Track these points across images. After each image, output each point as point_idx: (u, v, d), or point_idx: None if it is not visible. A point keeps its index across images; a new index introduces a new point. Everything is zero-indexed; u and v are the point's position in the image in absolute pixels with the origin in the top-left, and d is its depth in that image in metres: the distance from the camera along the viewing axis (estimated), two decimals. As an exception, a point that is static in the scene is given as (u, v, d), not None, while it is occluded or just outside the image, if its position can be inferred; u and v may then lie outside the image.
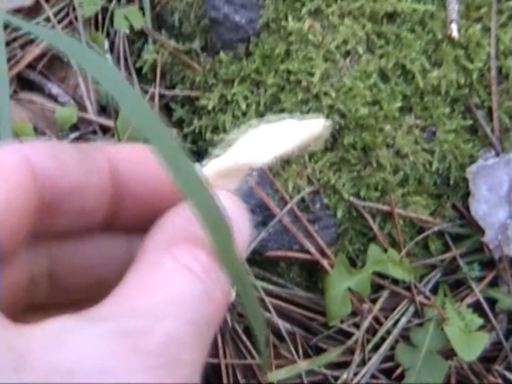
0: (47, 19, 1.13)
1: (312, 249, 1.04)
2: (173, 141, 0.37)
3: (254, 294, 0.43)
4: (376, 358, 1.03)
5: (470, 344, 0.99)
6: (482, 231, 1.06)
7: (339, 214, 1.05)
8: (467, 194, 1.08)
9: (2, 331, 0.32)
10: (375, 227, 1.06)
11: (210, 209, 0.37)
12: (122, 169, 0.45)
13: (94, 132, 1.10)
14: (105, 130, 1.11)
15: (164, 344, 0.33)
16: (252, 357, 1.01)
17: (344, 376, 1.02)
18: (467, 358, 0.99)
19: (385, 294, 1.06)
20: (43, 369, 0.31)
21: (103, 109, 1.13)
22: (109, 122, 1.10)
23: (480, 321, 1.02)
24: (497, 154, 1.09)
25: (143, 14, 1.11)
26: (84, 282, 0.44)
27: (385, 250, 1.05)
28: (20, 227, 0.40)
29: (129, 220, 0.45)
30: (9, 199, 0.38)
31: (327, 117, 1.04)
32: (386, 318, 1.05)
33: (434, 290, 1.09)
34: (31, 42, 1.13)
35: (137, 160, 0.46)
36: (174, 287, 0.35)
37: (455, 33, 1.07)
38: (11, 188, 0.39)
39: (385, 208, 1.05)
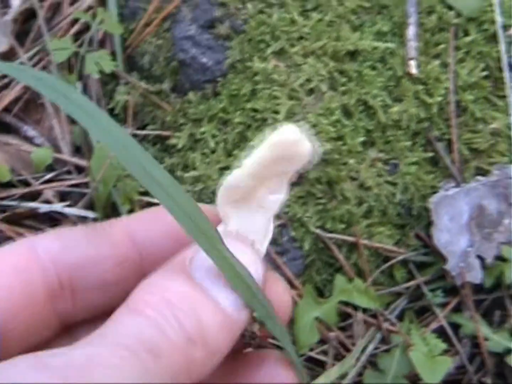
0: (22, 63, 1.18)
1: (281, 281, 1.09)
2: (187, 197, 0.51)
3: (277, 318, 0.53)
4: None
5: (434, 368, 1.04)
6: (444, 259, 1.11)
7: (306, 246, 1.11)
8: (429, 223, 1.13)
9: None
10: (341, 257, 1.11)
11: (226, 259, 0.48)
12: (140, 237, 0.52)
13: (69, 172, 1.15)
14: (80, 169, 1.17)
15: (75, 366, 0.40)
16: None
17: (315, 403, 1.07)
18: (431, 381, 1.04)
19: (352, 322, 1.11)
20: None
21: (77, 150, 1.18)
22: (83, 162, 1.15)
23: (443, 346, 1.07)
24: (458, 185, 1.14)
25: (114, 57, 1.16)
26: None
27: (351, 280, 1.10)
28: (32, 316, 0.49)
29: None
30: (18, 297, 0.48)
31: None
32: (353, 345, 1.10)
33: (400, 317, 1.14)
34: (6, 86, 1.18)
35: (152, 224, 0.53)
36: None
37: (414, 70, 1.13)
38: (17, 285, 0.48)
39: (351, 239, 1.10)
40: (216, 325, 0.47)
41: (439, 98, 1.14)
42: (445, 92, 1.14)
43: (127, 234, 0.54)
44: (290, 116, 1.11)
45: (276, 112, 1.10)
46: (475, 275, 1.12)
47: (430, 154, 1.14)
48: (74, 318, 0.53)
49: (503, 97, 1.17)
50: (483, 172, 1.15)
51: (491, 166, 1.15)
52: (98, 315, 0.54)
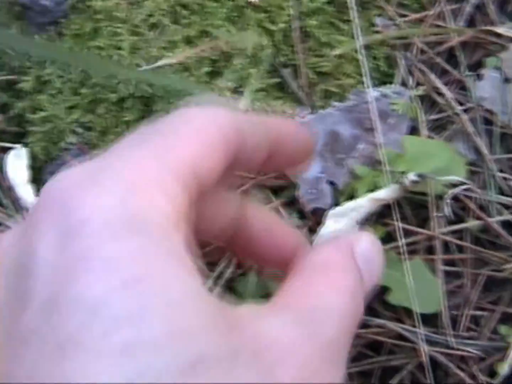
0: None
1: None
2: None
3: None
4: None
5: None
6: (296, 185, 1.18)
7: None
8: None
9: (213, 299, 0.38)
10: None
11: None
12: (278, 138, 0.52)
13: None
14: None
15: (335, 343, 0.40)
16: None
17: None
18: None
19: (209, 248, 1.17)
20: (249, 335, 0.37)
21: None
22: None
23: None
24: (313, 112, 1.21)
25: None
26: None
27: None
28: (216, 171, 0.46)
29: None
30: (218, 157, 0.45)
31: (136, 87, 1.16)
32: (211, 269, 1.17)
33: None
34: None
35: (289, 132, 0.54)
36: (338, 299, 0.42)
37: (254, -2, 1.19)
38: (219, 148, 0.45)
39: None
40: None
41: (283, 25, 1.20)
42: (288, 19, 1.21)
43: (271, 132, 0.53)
44: (134, 52, 1.17)
45: (120, 48, 1.16)
46: (325, 201, 1.17)
47: (277, 80, 1.21)
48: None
49: (348, 21, 1.24)
50: (331, 94, 1.22)
51: (339, 88, 1.22)
52: None
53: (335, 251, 0.47)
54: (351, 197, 1.18)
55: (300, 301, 0.41)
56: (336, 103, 1.21)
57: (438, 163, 1.13)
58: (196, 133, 0.44)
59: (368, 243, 0.49)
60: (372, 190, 1.16)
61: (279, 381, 0.36)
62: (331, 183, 1.18)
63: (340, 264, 0.45)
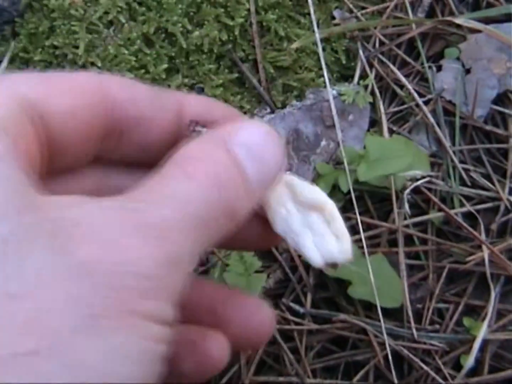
0: None
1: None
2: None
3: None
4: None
5: (248, 286, 1.14)
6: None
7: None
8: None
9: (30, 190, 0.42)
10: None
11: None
12: (187, 112, 0.56)
13: None
14: None
15: (158, 223, 0.43)
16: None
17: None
18: (248, 297, 1.14)
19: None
20: (48, 218, 0.41)
21: None
22: None
23: (258, 264, 1.17)
24: (272, 111, 1.24)
25: None
26: None
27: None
28: (87, 139, 0.51)
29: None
30: (75, 106, 0.50)
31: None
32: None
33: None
34: None
35: (203, 107, 0.57)
36: (179, 189, 0.45)
37: (210, -7, 1.21)
38: (78, 98, 0.50)
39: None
40: (242, 194, 0.49)
41: (241, 20, 1.23)
42: (246, 14, 1.23)
43: (177, 105, 0.56)
44: (90, 50, 1.19)
45: (76, 47, 1.18)
46: (293, 197, 1.21)
47: (236, 75, 1.24)
48: (104, 157, 0.56)
49: (307, 14, 1.27)
50: (291, 89, 1.25)
51: (298, 82, 1.25)
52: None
53: (204, 143, 0.50)
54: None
55: (146, 191, 0.45)
56: (295, 102, 1.24)
57: (400, 165, 1.17)
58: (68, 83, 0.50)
59: (251, 134, 0.51)
60: (334, 187, 1.19)
61: (75, 258, 0.39)
62: (297, 180, 1.21)
63: (204, 154, 0.48)
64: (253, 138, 0.51)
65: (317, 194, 0.56)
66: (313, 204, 0.55)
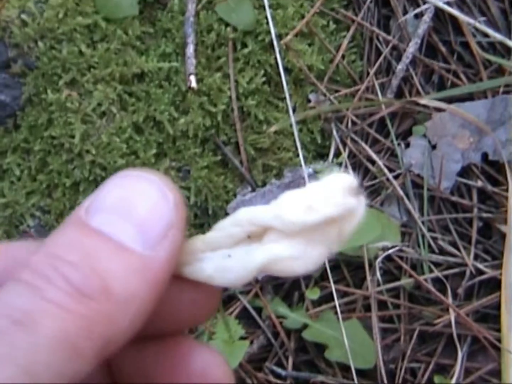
0: None
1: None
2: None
3: None
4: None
5: (232, 352, 1.29)
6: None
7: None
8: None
9: None
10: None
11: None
12: None
13: None
14: None
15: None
16: None
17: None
18: (231, 365, 1.29)
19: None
20: None
21: None
22: None
23: (242, 331, 1.32)
24: (253, 189, 1.40)
25: None
26: None
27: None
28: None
29: None
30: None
31: (90, 172, 1.35)
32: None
33: (208, 308, 1.39)
34: None
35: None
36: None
37: (193, 84, 1.38)
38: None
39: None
40: (122, 268, 0.44)
41: (223, 107, 1.40)
42: (228, 101, 1.41)
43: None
44: (85, 139, 1.36)
45: (72, 137, 1.35)
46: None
47: (219, 158, 1.40)
48: None
49: (283, 98, 1.44)
50: (270, 168, 1.42)
51: (277, 161, 1.42)
52: None
53: (63, 230, 0.47)
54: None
55: None
56: (275, 181, 1.40)
57: (371, 237, 1.32)
58: None
59: (112, 191, 0.48)
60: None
61: None
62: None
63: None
64: (115, 195, 0.47)
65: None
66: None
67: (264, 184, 1.40)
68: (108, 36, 1.39)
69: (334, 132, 1.44)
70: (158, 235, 0.46)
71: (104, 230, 0.45)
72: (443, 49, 1.51)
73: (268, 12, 1.43)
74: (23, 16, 1.37)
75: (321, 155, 1.45)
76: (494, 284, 1.38)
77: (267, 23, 1.44)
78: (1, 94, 1.35)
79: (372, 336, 1.31)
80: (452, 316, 1.31)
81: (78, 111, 1.35)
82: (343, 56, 1.49)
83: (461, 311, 1.32)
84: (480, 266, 1.38)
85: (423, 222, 1.39)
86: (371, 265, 1.35)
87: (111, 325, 0.43)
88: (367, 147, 1.43)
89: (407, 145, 1.45)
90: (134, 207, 0.46)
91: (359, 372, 1.28)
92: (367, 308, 1.36)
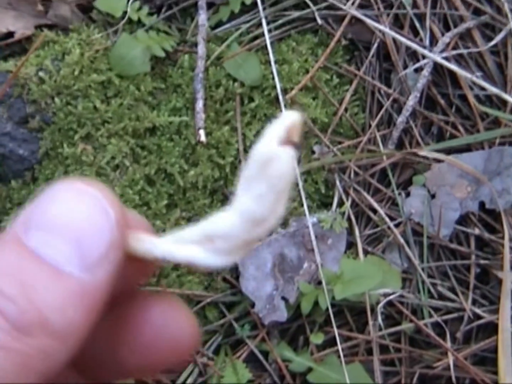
0: None
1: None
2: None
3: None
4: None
5: (243, 394, 1.40)
6: (253, 303, 1.47)
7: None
8: (235, 267, 1.49)
9: None
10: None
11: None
12: None
13: None
14: None
15: None
16: None
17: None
18: (240, 406, 1.39)
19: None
20: None
21: None
22: None
23: (248, 375, 1.42)
24: (261, 239, 1.51)
25: None
26: None
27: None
28: None
29: None
30: None
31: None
32: (173, 381, 1.45)
33: (217, 351, 1.49)
34: None
35: None
36: None
37: (203, 138, 1.50)
38: None
39: (159, 289, 1.46)
40: (60, 297, 0.43)
41: (231, 159, 1.51)
42: (236, 153, 1.52)
43: None
44: (100, 190, 1.47)
45: (87, 189, 1.47)
46: (280, 315, 1.46)
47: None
48: None
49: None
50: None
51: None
52: None
53: None
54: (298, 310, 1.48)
55: None
56: (280, 230, 1.51)
57: (372, 284, 1.42)
58: None
59: (50, 206, 0.46)
60: (316, 303, 1.46)
61: None
62: (284, 299, 1.48)
63: None
64: (53, 212, 0.45)
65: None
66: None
67: (270, 233, 1.50)
68: (121, 92, 1.50)
69: (338, 183, 1.54)
70: (97, 256, 0.45)
71: (41, 253, 0.44)
72: (442, 101, 1.61)
73: (274, 67, 1.54)
74: (41, 74, 1.48)
75: (325, 205, 1.55)
76: (492, 328, 1.47)
77: (273, 78, 1.54)
78: (20, 148, 1.47)
79: (374, 379, 1.40)
80: (451, 359, 1.41)
81: (92, 164, 1.46)
82: (346, 109, 1.60)
83: (460, 354, 1.41)
84: (478, 311, 1.48)
85: (423, 269, 1.49)
86: (373, 310, 1.44)
87: (49, 358, 0.42)
88: (369, 197, 1.54)
89: (408, 195, 1.55)
90: (72, 225, 0.44)
91: (362, 414, 1.37)
92: (369, 352, 1.45)
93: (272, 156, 0.47)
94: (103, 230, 0.45)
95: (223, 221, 0.48)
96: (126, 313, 0.53)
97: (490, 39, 1.63)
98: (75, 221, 0.45)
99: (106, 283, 0.45)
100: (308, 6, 1.62)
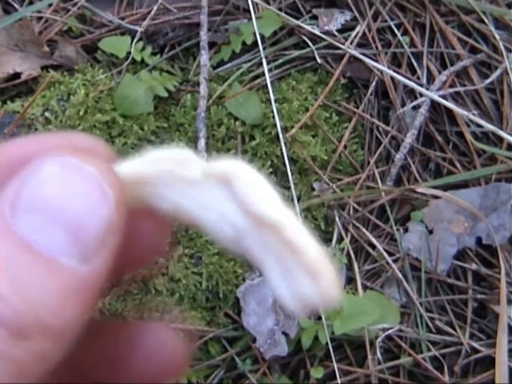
0: None
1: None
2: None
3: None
4: None
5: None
6: (254, 338, 1.54)
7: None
8: (236, 302, 1.56)
9: None
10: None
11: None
12: None
13: None
14: None
15: None
16: None
17: None
18: None
19: None
20: None
21: None
22: None
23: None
24: (261, 274, 1.58)
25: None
26: None
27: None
28: None
29: None
30: None
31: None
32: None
33: (219, 386, 1.56)
34: None
35: None
36: None
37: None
38: None
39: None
40: (56, 295, 0.40)
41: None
42: (236, 190, 1.59)
43: None
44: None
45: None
46: (281, 349, 1.53)
47: (229, 245, 1.58)
48: None
49: (289, 187, 1.63)
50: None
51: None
52: None
53: None
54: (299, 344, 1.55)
55: None
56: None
57: (370, 319, 1.49)
58: None
59: (42, 185, 0.42)
60: (316, 337, 1.52)
61: None
62: (285, 334, 1.55)
63: None
64: (46, 193, 0.41)
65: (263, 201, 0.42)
66: (262, 220, 0.42)
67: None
68: (125, 131, 1.58)
69: (337, 219, 1.61)
70: (95, 243, 0.41)
71: (33, 241, 0.40)
72: (439, 138, 1.68)
73: (274, 106, 1.61)
74: (47, 114, 1.55)
75: (325, 240, 1.62)
76: (489, 362, 1.53)
77: (274, 116, 1.62)
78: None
79: (372, 413, 1.47)
80: (448, 393, 1.48)
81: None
82: (345, 146, 1.67)
83: (457, 388, 1.48)
84: (475, 345, 1.54)
85: (421, 303, 1.56)
86: (372, 345, 1.51)
87: (45, 361, 0.40)
88: (367, 233, 1.61)
89: (406, 230, 1.62)
90: (67, 209, 0.41)
91: None
92: (369, 386, 1.52)
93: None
94: (102, 213, 0.41)
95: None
96: (126, 333, 0.52)
97: (486, 76, 1.70)
98: (70, 203, 0.41)
99: (105, 272, 0.42)
100: (307, 46, 1.69)
